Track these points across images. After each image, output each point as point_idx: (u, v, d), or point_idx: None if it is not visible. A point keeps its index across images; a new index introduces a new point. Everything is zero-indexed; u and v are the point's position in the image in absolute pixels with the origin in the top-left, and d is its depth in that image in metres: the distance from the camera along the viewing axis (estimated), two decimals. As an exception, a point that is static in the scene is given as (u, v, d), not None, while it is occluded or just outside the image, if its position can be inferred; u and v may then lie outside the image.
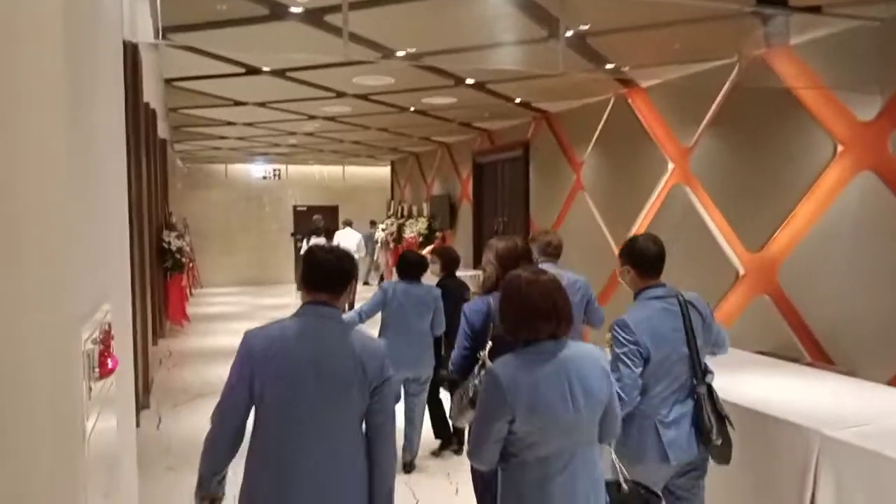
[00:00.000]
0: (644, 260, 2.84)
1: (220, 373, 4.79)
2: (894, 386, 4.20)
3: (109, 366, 1.77)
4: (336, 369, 2.13)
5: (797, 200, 5.45)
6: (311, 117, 9.42)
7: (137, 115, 6.42)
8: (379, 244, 14.96)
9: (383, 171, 17.67)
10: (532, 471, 2.12)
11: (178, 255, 10.34)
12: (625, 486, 2.40)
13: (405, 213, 15.01)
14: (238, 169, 17.42)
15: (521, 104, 8.52)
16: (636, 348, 2.61)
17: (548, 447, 2.12)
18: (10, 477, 1.15)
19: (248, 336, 2.18)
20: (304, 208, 18.12)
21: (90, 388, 1.69)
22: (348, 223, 12.55)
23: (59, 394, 1.45)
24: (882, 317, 4.81)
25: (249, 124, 10.20)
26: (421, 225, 13.31)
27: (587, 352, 2.25)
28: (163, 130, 10.45)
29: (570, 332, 2.23)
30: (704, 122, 6.45)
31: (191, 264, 11.52)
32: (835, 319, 5.21)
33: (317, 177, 17.98)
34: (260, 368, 2.12)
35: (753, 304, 5.92)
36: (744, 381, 3.67)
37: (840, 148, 5.13)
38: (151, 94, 7.58)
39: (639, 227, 7.39)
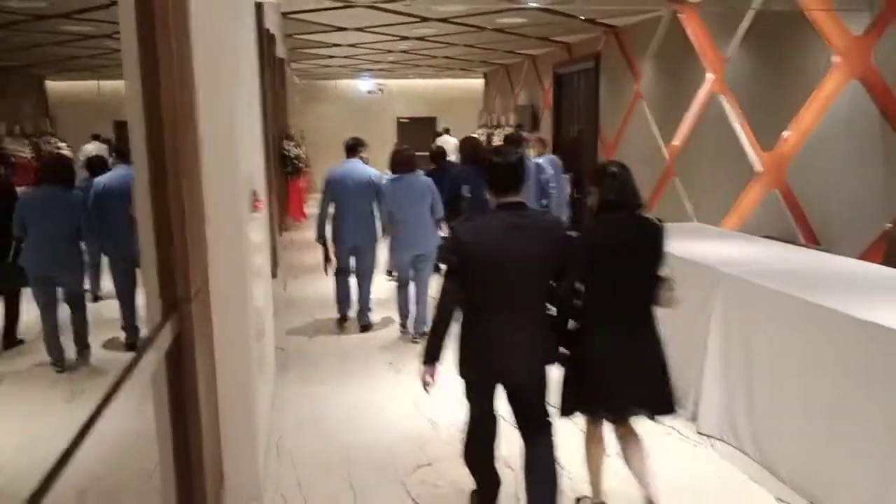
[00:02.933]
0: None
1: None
2: (863, 259, 5.22)
3: (259, 206, 3.34)
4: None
5: (801, 106, 6.33)
6: (404, 38, 10.74)
7: (261, 40, 8.00)
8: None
9: (477, 83, 18.75)
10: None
11: (296, 162, 12.21)
12: None
13: (495, 122, 16.16)
14: (347, 84, 19.06)
15: (587, 20, 9.43)
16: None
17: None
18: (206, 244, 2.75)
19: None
20: (407, 120, 19.65)
21: (249, 216, 3.29)
22: (446, 130, 14.17)
23: (241, 211, 3.05)
24: (858, 207, 5.75)
25: (352, 45, 11.65)
26: (504, 133, 14.48)
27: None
28: (281, 52, 12.13)
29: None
30: (736, 37, 7.26)
31: (307, 170, 13.35)
32: (824, 209, 6.17)
33: (420, 90, 19.33)
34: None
35: (767, 197, 6.91)
36: (703, 247, 4.88)
37: (835, 59, 5.94)
38: (270, 21, 9.14)
39: (682, 131, 8.35)
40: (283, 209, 11.95)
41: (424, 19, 8.98)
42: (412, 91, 19.40)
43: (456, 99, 19.23)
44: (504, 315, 2.90)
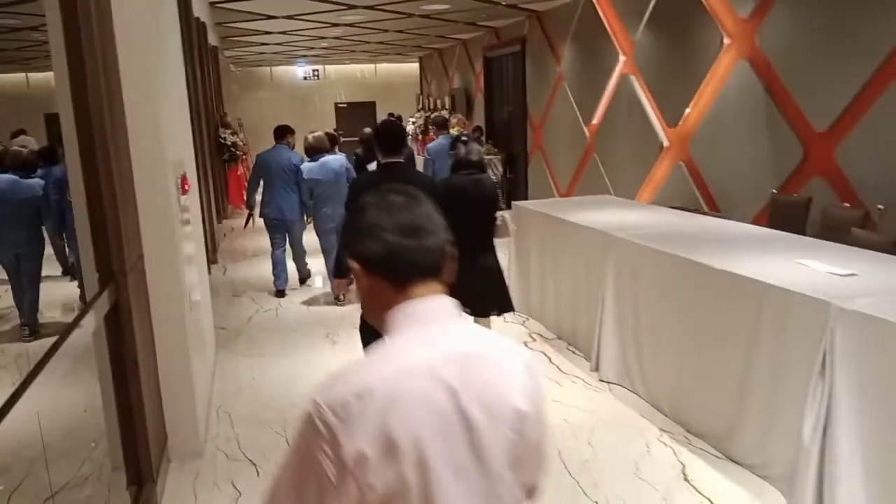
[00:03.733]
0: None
1: (266, 243, 7.06)
2: (754, 223, 5.78)
3: (186, 188, 3.65)
4: None
5: (699, 84, 6.89)
6: (334, 25, 10.98)
7: (189, 28, 8.17)
8: (409, 137, 16.63)
9: (415, 68, 19.05)
10: None
11: (233, 150, 12.32)
12: None
13: (431, 106, 16.51)
14: (283, 71, 19.10)
15: (509, 6, 9.84)
16: None
17: None
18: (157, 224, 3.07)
19: None
20: (345, 105, 19.81)
21: (178, 197, 3.59)
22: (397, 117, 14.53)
23: (169, 191, 3.36)
24: (749, 177, 6.34)
25: (283, 32, 11.81)
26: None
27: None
28: (213, 39, 12.19)
29: None
30: (643, 21, 7.77)
31: (244, 157, 13.46)
32: (722, 179, 6.76)
33: (358, 75, 19.51)
34: None
35: (674, 170, 7.48)
36: (604, 215, 5.36)
37: (726, 41, 6.50)
38: (200, 10, 9.27)
39: (600, 111, 8.88)
40: (223, 196, 12.08)
41: (351, 6, 9.25)
42: (350, 76, 19.58)
43: (394, 83, 19.50)
44: None
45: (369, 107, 19.51)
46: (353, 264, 1.23)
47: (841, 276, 3.27)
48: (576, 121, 9.59)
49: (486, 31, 12.60)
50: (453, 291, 3.03)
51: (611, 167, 8.82)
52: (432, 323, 1.19)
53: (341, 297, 6.64)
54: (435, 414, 1.10)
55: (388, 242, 1.19)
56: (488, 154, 11.91)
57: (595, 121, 9.08)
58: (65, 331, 2.45)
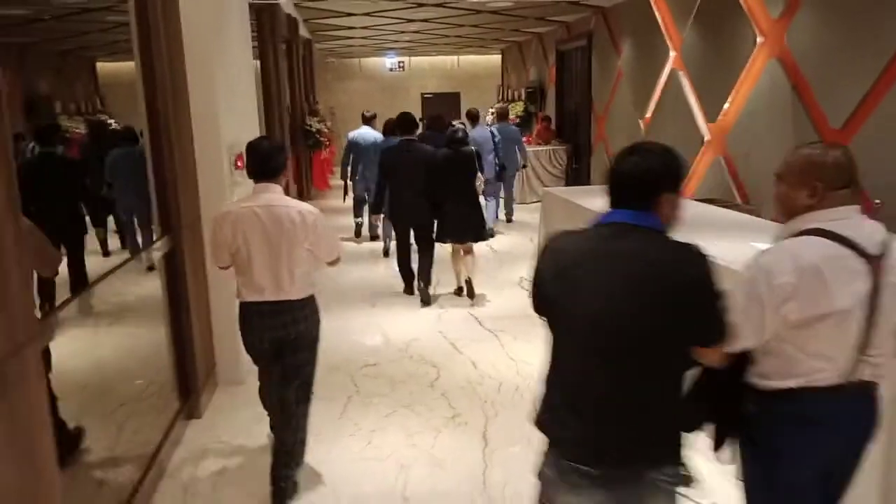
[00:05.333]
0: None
1: (350, 221, 8.91)
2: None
3: (238, 164, 4.48)
4: None
5: (736, 80, 7.16)
6: (409, 21, 11.76)
7: (274, 22, 9.11)
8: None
9: (496, 60, 19.61)
10: None
11: (317, 136, 13.36)
12: None
13: (510, 97, 17.04)
14: (373, 62, 20.14)
15: (571, 2, 10.28)
16: None
17: None
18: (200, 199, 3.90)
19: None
20: (431, 95, 20.64)
21: (231, 171, 4.43)
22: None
23: (222, 166, 4.19)
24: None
25: (364, 27, 12.71)
26: (518, 107, 15.37)
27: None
28: (305, 33, 13.27)
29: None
30: (691, 17, 8.07)
31: (328, 144, 14.48)
32: (756, 174, 7.02)
33: (442, 67, 20.29)
34: None
35: (713, 164, 7.76)
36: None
37: (760, 39, 6.76)
38: (289, 6, 10.24)
39: (652, 105, 9.21)
40: (307, 178, 13.13)
41: (421, 4, 9.97)
42: (435, 68, 20.37)
43: (478, 75, 20.13)
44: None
45: (454, 97, 20.23)
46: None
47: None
48: (632, 114, 9.93)
49: (558, 25, 13.03)
50: (442, 225, 5.99)
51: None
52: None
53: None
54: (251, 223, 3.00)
55: None
56: (548, 145, 12.41)
57: (648, 114, 9.41)
58: (138, 251, 3.32)
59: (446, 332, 5.56)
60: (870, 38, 5.36)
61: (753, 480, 2.15)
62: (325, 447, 3.74)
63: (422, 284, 6.40)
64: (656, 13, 8.97)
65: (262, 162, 3.12)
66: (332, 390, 4.46)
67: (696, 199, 6.76)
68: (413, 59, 20.15)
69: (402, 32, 13.70)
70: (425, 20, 11.78)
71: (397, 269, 6.73)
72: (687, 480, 1.88)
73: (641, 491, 1.85)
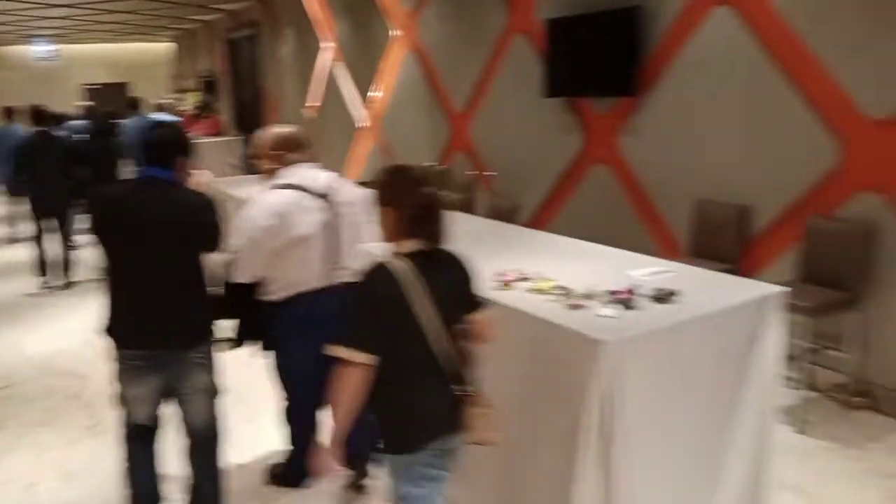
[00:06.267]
0: None
1: None
2: None
3: None
4: None
5: (381, 70, 7.72)
6: (50, 5, 10.59)
7: None
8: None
9: (168, 48, 18.53)
10: None
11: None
12: None
13: (184, 88, 16.26)
14: (15, 50, 17.68)
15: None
16: None
17: None
18: None
19: None
20: (95, 86, 18.78)
21: None
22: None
23: None
24: (421, 153, 7.28)
25: (-2, 11, 11.15)
26: (194, 98, 14.74)
27: None
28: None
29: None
30: (342, 12, 8.48)
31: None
32: (407, 157, 7.66)
33: (113, 54, 18.56)
34: None
35: (372, 150, 8.30)
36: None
37: (397, 33, 7.37)
38: None
39: (314, 93, 9.54)
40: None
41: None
42: (99, 56, 18.57)
43: (148, 64, 18.82)
44: None
45: (120, 87, 18.66)
46: None
47: None
48: (299, 102, 10.16)
49: (224, 13, 12.74)
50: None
51: (323, 146, 9.49)
52: None
53: None
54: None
55: None
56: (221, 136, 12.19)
57: (314, 103, 9.71)
58: None
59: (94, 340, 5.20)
60: (476, 30, 6.18)
61: (277, 370, 2.87)
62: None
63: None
64: (309, 6, 9.27)
65: None
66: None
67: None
68: (73, 46, 18.12)
69: (45, 18, 12.25)
70: (70, 5, 10.67)
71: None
72: (227, 347, 2.73)
73: (183, 368, 2.52)
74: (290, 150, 2.76)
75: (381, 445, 1.97)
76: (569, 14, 5.05)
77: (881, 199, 3.46)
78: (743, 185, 4.10)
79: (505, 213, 4.77)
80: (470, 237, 3.70)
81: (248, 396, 3.72)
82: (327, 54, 9.03)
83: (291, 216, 2.58)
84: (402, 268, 1.84)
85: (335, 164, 8.89)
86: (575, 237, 3.55)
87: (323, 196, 2.67)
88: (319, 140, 9.52)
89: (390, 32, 7.40)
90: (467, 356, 1.99)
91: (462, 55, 6.42)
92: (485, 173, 6.12)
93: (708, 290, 2.62)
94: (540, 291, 2.62)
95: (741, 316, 2.50)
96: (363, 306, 1.86)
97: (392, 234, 1.93)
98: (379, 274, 1.85)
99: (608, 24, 4.71)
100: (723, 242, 4.17)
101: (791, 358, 3.59)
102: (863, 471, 3.11)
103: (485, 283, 2.70)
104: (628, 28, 4.54)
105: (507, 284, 2.71)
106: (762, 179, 3.99)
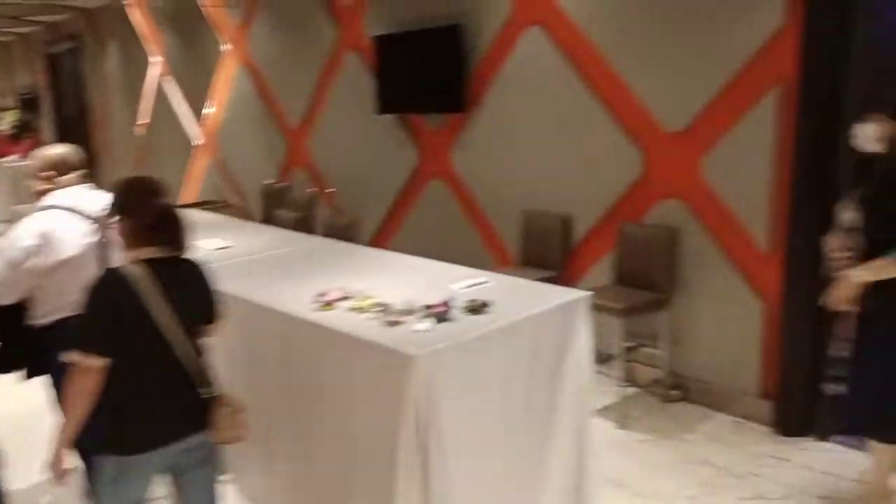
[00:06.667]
0: None
1: None
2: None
3: None
4: None
5: (215, 85, 7.44)
6: None
7: None
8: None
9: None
10: None
11: None
12: None
13: (1, 107, 14.83)
14: None
15: (48, 4, 9.40)
16: None
17: None
18: None
19: None
20: None
21: None
22: None
23: None
24: (259, 170, 7.06)
25: None
26: (11, 117, 13.47)
27: None
28: None
29: None
30: (169, 27, 8.10)
31: None
32: (243, 174, 7.41)
33: None
34: None
35: (208, 167, 7.96)
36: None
37: (227, 47, 7.13)
38: None
39: (144, 110, 9.03)
40: None
41: None
42: None
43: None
44: None
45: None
46: None
47: (220, 248, 3.88)
48: (128, 118, 9.57)
49: (43, 26, 11.78)
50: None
51: (159, 166, 9.00)
52: None
53: None
54: None
55: None
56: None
57: (143, 120, 9.17)
58: None
59: None
60: (308, 45, 6.09)
61: (56, 395, 2.63)
62: None
63: None
64: (133, 21, 8.78)
65: None
66: None
67: (193, 204, 6.89)
68: None
69: None
70: None
71: None
72: None
73: None
74: (61, 171, 2.69)
75: (104, 445, 2.00)
76: (395, 31, 5.11)
77: (681, 205, 3.75)
78: (564, 196, 4.31)
79: (342, 231, 4.72)
80: (301, 256, 3.68)
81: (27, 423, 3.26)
82: (156, 69, 8.57)
83: (56, 238, 2.52)
84: (138, 273, 1.93)
85: (172, 183, 8.42)
86: (416, 251, 3.57)
87: (95, 219, 2.61)
88: (153, 158, 9.02)
89: (221, 46, 7.14)
90: (207, 359, 2.11)
91: (295, 70, 6.31)
92: (326, 190, 6.04)
93: (520, 299, 2.71)
94: (360, 310, 2.61)
95: (551, 321, 2.61)
96: (94, 310, 1.92)
97: (130, 243, 2.02)
98: (110, 278, 1.94)
99: (432, 42, 4.80)
100: (548, 251, 4.36)
101: (612, 357, 3.82)
102: (680, 460, 3.33)
103: (305, 303, 2.68)
104: (451, 45, 4.66)
105: (327, 304, 2.68)
106: (580, 190, 4.22)
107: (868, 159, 2.58)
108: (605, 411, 3.74)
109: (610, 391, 3.79)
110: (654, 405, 3.90)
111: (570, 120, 4.21)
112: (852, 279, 2.54)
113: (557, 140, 4.30)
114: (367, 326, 2.45)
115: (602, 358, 4.09)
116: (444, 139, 5.05)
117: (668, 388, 3.92)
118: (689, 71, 3.60)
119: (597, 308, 3.61)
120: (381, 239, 5.71)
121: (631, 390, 4.03)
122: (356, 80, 5.61)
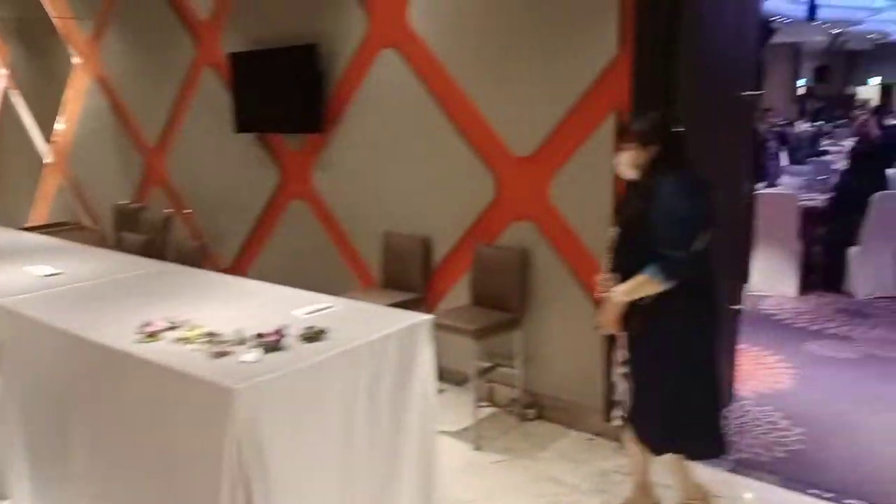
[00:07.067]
0: None
1: None
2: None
3: None
4: None
5: (66, 101, 6.97)
6: None
7: None
8: None
9: None
10: None
11: None
12: None
13: None
14: None
15: None
16: None
17: None
18: None
19: None
20: None
21: None
22: None
23: None
24: (113, 190, 6.65)
25: None
26: None
27: None
28: None
29: None
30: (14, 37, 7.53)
31: None
32: (98, 195, 6.95)
33: None
34: None
35: (60, 187, 7.42)
36: None
37: (78, 60, 6.71)
38: None
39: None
40: None
41: None
42: None
43: None
44: None
45: None
46: None
47: (48, 275, 3.55)
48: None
49: None
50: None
51: (5, 186, 8.31)
52: None
53: None
54: None
55: None
56: None
57: (-12, 137, 8.45)
58: None
59: None
60: (163, 60, 5.82)
61: None
62: None
63: None
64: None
65: None
66: None
67: (41, 227, 6.40)
68: None
69: None
70: None
71: None
72: None
73: None
74: None
75: None
76: (251, 48, 4.96)
77: (532, 226, 3.83)
78: (423, 218, 4.30)
79: (192, 255, 4.49)
80: (138, 283, 3.40)
81: None
82: (1, 82, 7.93)
83: None
84: None
85: (21, 203, 7.80)
86: (278, 274, 3.46)
87: None
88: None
89: (72, 59, 6.70)
90: None
91: (150, 86, 6.00)
92: (183, 211, 5.76)
93: (360, 325, 2.64)
94: (186, 340, 2.45)
95: (390, 346, 2.55)
96: None
97: None
98: None
99: (288, 61, 4.69)
100: (409, 273, 4.33)
101: (469, 378, 3.83)
102: (533, 479, 3.36)
103: (127, 334, 2.49)
104: (307, 65, 4.57)
105: (151, 335, 2.50)
106: (439, 212, 4.23)
107: (631, 184, 2.71)
108: (461, 433, 3.73)
109: (467, 412, 3.79)
110: (512, 424, 3.94)
111: (426, 142, 4.22)
112: (613, 300, 2.62)
113: (415, 162, 4.30)
114: (190, 358, 2.30)
115: (460, 379, 4.11)
116: (304, 159, 4.93)
117: (524, 407, 3.96)
118: (533, 99, 3.69)
119: (452, 330, 3.65)
120: (242, 261, 5.50)
121: (489, 410, 4.05)
122: (215, 98, 5.40)
